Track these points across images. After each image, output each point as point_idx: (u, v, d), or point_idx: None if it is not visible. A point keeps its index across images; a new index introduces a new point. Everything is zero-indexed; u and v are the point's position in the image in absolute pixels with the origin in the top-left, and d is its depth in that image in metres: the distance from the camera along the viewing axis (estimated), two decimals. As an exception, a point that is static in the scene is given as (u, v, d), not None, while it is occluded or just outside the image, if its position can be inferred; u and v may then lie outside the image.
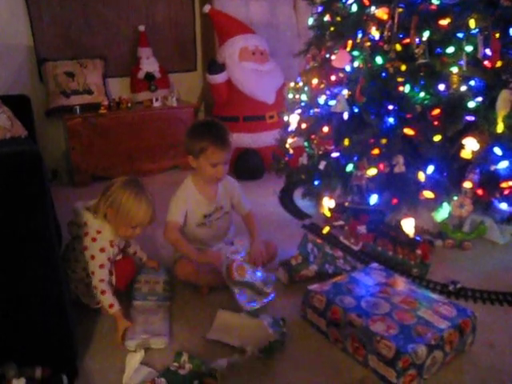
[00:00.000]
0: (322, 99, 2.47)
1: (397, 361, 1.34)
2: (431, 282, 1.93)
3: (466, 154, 2.09)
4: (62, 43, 3.33)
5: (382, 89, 2.20)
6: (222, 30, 3.42)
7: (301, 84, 2.73)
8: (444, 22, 2.07)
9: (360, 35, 2.26)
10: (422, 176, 2.14)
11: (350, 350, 1.50)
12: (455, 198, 2.17)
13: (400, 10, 2.12)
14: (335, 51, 2.37)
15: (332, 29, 2.46)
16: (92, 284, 1.66)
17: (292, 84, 2.84)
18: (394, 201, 2.22)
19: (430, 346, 1.38)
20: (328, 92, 2.45)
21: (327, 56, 2.48)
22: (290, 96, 2.83)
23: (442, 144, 2.11)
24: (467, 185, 2.13)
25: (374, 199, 2.24)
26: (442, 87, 2.10)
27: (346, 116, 2.29)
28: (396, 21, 2.12)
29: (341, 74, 2.37)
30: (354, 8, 2.30)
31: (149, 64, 3.50)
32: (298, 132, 2.68)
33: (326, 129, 2.40)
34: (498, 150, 2.08)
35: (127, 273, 1.82)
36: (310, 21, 2.68)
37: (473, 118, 2.08)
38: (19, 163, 1.19)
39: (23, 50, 3.24)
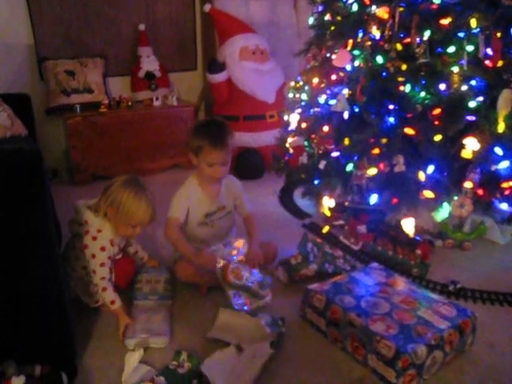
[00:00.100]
0: (322, 98, 2.47)
1: (396, 361, 1.34)
2: (431, 282, 1.93)
3: (467, 153, 2.09)
4: (63, 42, 3.33)
5: (383, 88, 2.20)
6: (222, 29, 3.42)
7: (301, 83, 2.73)
8: (445, 21, 2.07)
9: (361, 34, 2.26)
10: (422, 176, 2.14)
11: (350, 349, 1.50)
12: (455, 197, 2.17)
13: (401, 9, 2.12)
14: (336, 50, 2.37)
15: (332, 28, 2.45)
16: (93, 282, 1.67)
17: (292, 83, 2.84)
18: (394, 200, 2.22)
19: (430, 345, 1.38)
20: (328, 91, 2.45)
21: (328, 55, 2.48)
22: (291, 95, 2.82)
23: (443, 144, 2.11)
24: (468, 185, 2.13)
25: (374, 199, 2.23)
26: (442, 87, 2.10)
27: (346, 115, 2.29)
28: (397, 20, 2.12)
29: (341, 74, 2.37)
30: (355, 7, 2.30)
31: (149, 63, 3.50)
32: (298, 131, 2.68)
33: (326, 128, 2.40)
34: (498, 150, 2.08)
35: (127, 272, 1.82)
36: (311, 20, 2.67)
37: (473, 118, 2.08)
38: (19, 162, 1.19)
39: (24, 48, 3.23)
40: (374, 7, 2.20)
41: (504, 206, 2.17)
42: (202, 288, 1.87)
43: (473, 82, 2.08)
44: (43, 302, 1.32)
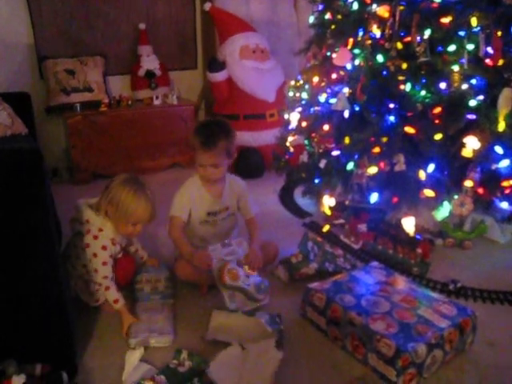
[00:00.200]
0: (322, 97, 2.47)
1: (397, 359, 1.34)
2: (431, 280, 1.93)
3: (467, 152, 2.09)
4: (63, 41, 3.33)
5: (383, 87, 2.19)
6: (222, 28, 3.42)
7: (301, 82, 2.73)
8: (445, 20, 2.06)
9: (361, 33, 2.26)
10: (422, 174, 2.14)
11: (350, 348, 1.50)
12: (456, 196, 2.16)
13: (401, 7, 2.11)
14: (336, 49, 2.37)
15: (333, 27, 2.45)
16: (95, 281, 1.67)
17: (292, 82, 2.84)
18: (395, 199, 2.22)
19: (430, 344, 1.38)
20: (329, 90, 2.45)
21: (328, 54, 2.48)
22: (291, 94, 2.82)
23: (443, 142, 2.11)
24: (468, 183, 2.13)
25: (374, 198, 2.23)
26: (443, 85, 2.10)
27: (346, 114, 2.29)
28: (397, 19, 2.12)
29: (341, 72, 2.37)
30: (355, 6, 2.29)
31: (149, 62, 3.50)
32: (298, 130, 2.68)
33: (326, 127, 2.39)
34: (499, 149, 2.08)
35: (127, 271, 1.82)
36: (311, 19, 2.67)
37: (474, 117, 2.08)
38: (19, 161, 1.19)
39: (24, 47, 3.23)
40: (374, 6, 2.20)
41: (504, 205, 2.17)
42: (203, 287, 1.87)
43: (473, 81, 2.08)
44: (43, 302, 1.32)
